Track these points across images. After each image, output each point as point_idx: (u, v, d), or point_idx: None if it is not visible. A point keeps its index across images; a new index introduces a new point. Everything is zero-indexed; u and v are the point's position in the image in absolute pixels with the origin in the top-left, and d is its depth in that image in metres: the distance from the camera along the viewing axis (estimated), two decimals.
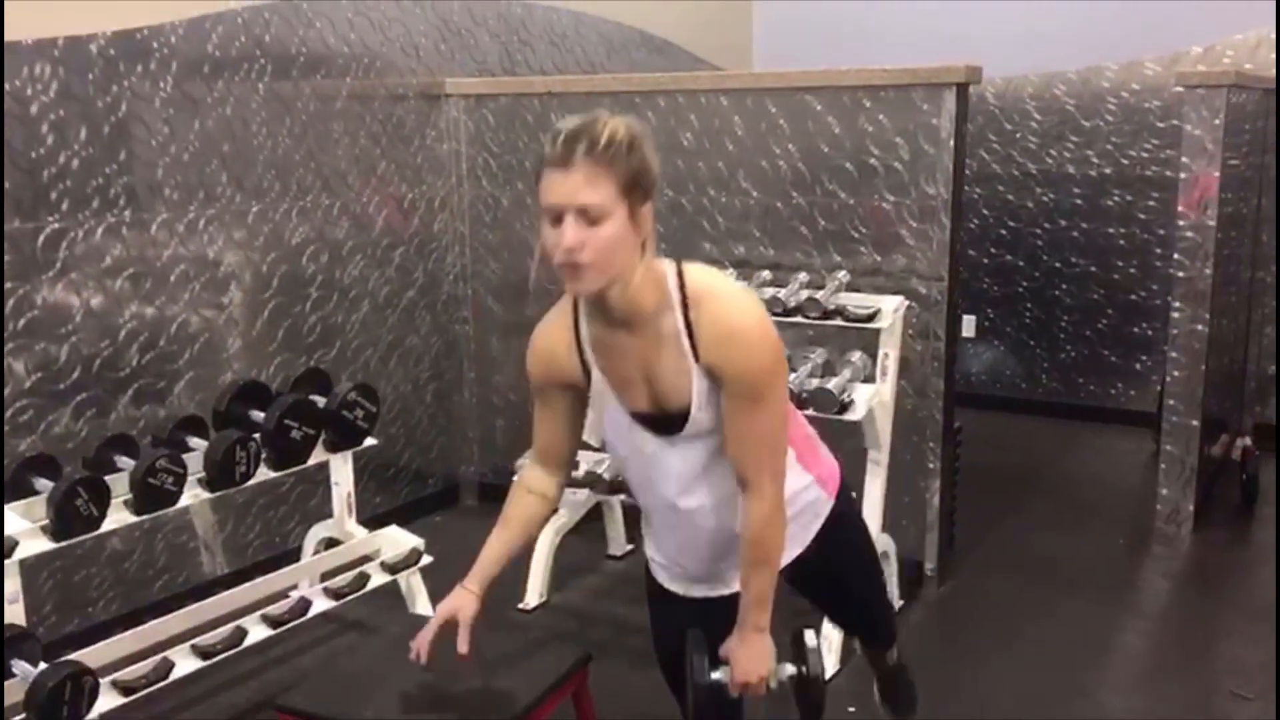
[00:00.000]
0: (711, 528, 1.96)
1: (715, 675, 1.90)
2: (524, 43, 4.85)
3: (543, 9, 4.94)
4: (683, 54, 5.76)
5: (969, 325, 5.92)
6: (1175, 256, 4.16)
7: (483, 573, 2.01)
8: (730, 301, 1.79)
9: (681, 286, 1.79)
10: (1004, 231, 5.88)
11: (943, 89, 3.53)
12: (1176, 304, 4.16)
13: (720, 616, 1.96)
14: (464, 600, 1.99)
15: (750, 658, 1.91)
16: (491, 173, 4.48)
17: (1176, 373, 4.19)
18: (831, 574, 2.18)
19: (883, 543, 3.55)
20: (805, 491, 2.04)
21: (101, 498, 2.72)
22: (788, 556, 2.00)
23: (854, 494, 2.30)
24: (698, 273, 1.82)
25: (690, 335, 1.78)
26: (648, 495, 2.01)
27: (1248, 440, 4.79)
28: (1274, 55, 5.17)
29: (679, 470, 1.91)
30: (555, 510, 2.20)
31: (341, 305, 4.16)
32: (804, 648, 1.94)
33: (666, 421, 1.86)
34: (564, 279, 1.75)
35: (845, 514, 2.19)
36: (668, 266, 1.82)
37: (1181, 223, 4.11)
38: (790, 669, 1.94)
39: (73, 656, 2.63)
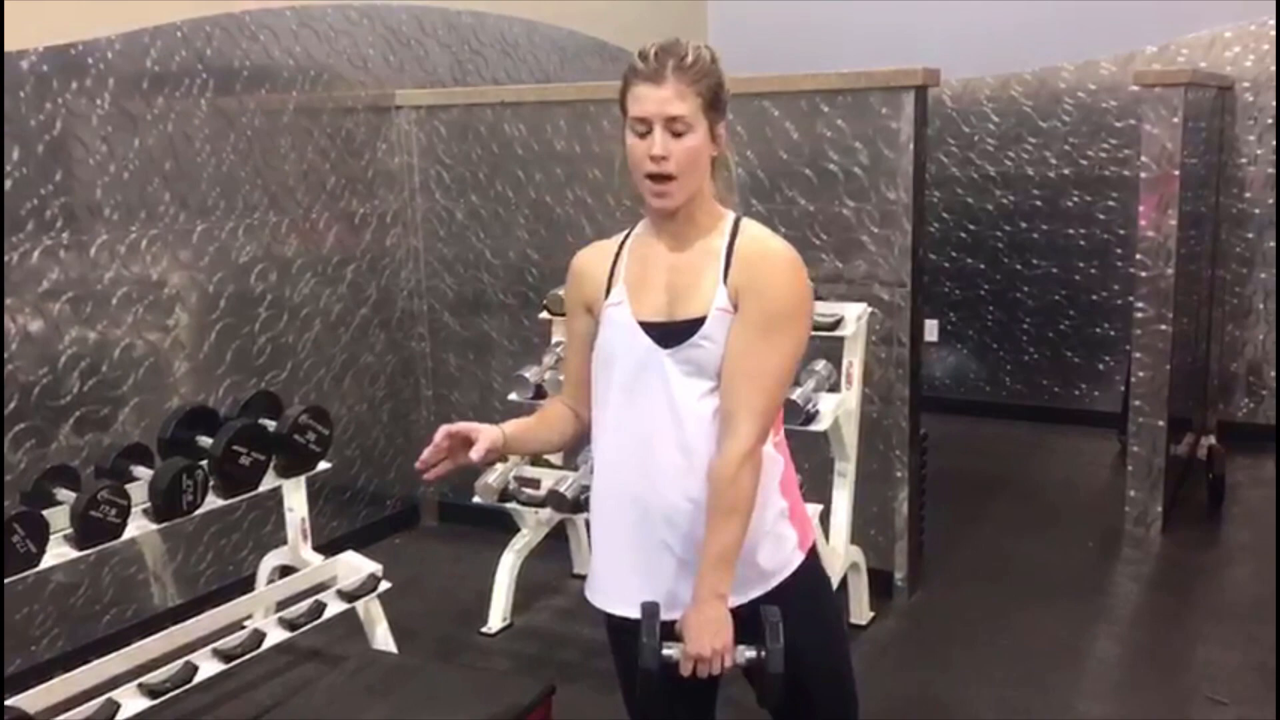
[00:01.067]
0: (693, 485, 1.78)
1: (667, 650, 1.71)
2: (475, 52, 4.76)
3: (494, 18, 4.85)
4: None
5: (931, 330, 5.88)
6: (1137, 256, 4.14)
7: (507, 424, 1.95)
8: (776, 240, 1.85)
9: (736, 222, 1.85)
10: (964, 235, 5.86)
11: (901, 92, 3.49)
12: (1139, 304, 4.14)
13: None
14: (488, 427, 1.89)
15: (704, 626, 1.72)
16: (445, 185, 4.38)
17: (1141, 373, 4.17)
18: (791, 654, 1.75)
19: (852, 554, 3.49)
20: (776, 522, 1.86)
21: (40, 533, 2.61)
22: (734, 599, 1.78)
23: (822, 570, 2.04)
24: (755, 223, 1.88)
25: (728, 254, 1.81)
26: (631, 421, 1.83)
27: (1213, 438, 4.78)
28: (1229, 53, 5.18)
29: (665, 391, 1.79)
30: (581, 433, 2.06)
31: (292, 325, 4.04)
32: (763, 624, 1.73)
33: (673, 331, 1.81)
34: (648, 194, 1.79)
35: (815, 585, 1.94)
36: (732, 212, 1.88)
37: (1143, 222, 4.09)
38: (750, 651, 1.73)
39: (11, 701, 2.51)
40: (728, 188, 1.88)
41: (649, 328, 1.82)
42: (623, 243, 1.92)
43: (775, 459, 1.86)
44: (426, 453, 1.88)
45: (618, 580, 1.89)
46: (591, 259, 1.95)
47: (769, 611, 1.76)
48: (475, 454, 1.85)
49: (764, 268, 1.79)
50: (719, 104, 1.81)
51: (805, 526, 1.93)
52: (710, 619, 1.73)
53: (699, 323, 1.78)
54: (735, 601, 1.79)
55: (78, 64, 3.30)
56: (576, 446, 3.67)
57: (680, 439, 1.80)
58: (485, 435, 1.86)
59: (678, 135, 1.76)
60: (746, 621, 1.79)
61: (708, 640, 1.72)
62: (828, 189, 3.66)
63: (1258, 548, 4.17)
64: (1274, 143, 5.13)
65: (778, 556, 1.87)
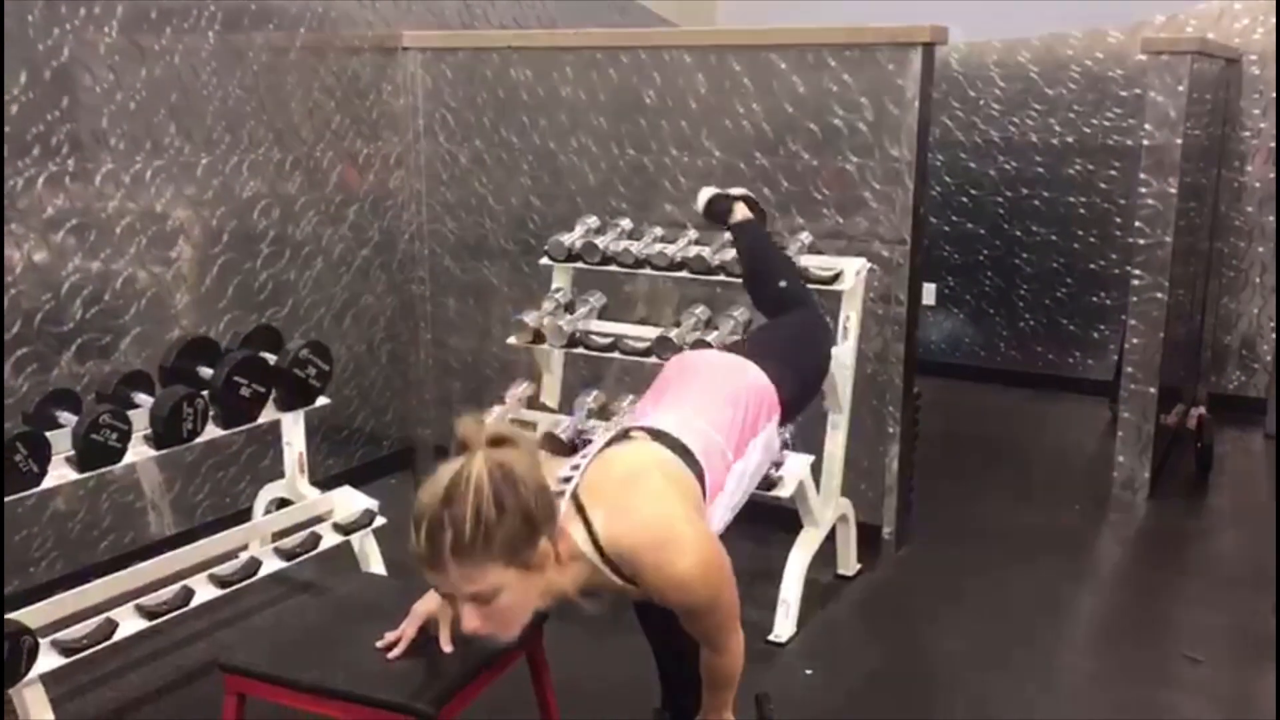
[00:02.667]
0: None
1: None
2: None
3: None
4: (645, 11, 5.67)
5: (929, 293, 5.90)
6: (1136, 224, 4.16)
7: None
8: (662, 554, 1.76)
9: (601, 554, 1.78)
10: (965, 199, 5.87)
11: (908, 49, 3.49)
12: (1137, 271, 4.17)
13: None
14: (438, 602, 1.94)
15: None
16: (449, 129, 4.38)
17: (1135, 340, 4.20)
18: None
19: (841, 506, 3.53)
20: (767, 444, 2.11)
21: (42, 453, 2.63)
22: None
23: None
24: (615, 529, 1.78)
25: (635, 583, 1.82)
26: None
27: (1203, 409, 4.83)
28: (1238, 25, 5.18)
29: None
30: None
31: (294, 262, 4.06)
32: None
33: None
34: None
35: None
36: (573, 528, 1.78)
37: (1143, 190, 4.11)
38: None
39: (11, 616, 2.55)
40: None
41: None
42: None
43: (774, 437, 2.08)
44: (394, 642, 1.97)
45: None
46: None
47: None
48: (445, 646, 1.94)
49: (681, 598, 1.83)
50: (527, 541, 1.67)
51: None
52: None
53: None
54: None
55: None
56: (572, 392, 3.71)
57: None
58: (445, 624, 1.94)
59: (488, 601, 1.67)
60: None
61: None
62: (831, 144, 3.67)
63: (1241, 516, 4.23)
64: (1275, 117, 5.14)
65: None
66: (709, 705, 2.04)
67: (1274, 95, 5.15)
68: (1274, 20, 5.10)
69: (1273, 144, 5.19)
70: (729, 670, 2.00)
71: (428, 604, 1.97)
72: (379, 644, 1.97)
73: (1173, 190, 4.06)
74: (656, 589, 1.78)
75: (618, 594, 1.86)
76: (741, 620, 2.00)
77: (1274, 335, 5.28)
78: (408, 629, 1.96)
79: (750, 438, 2.13)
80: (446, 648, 1.91)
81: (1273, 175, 5.22)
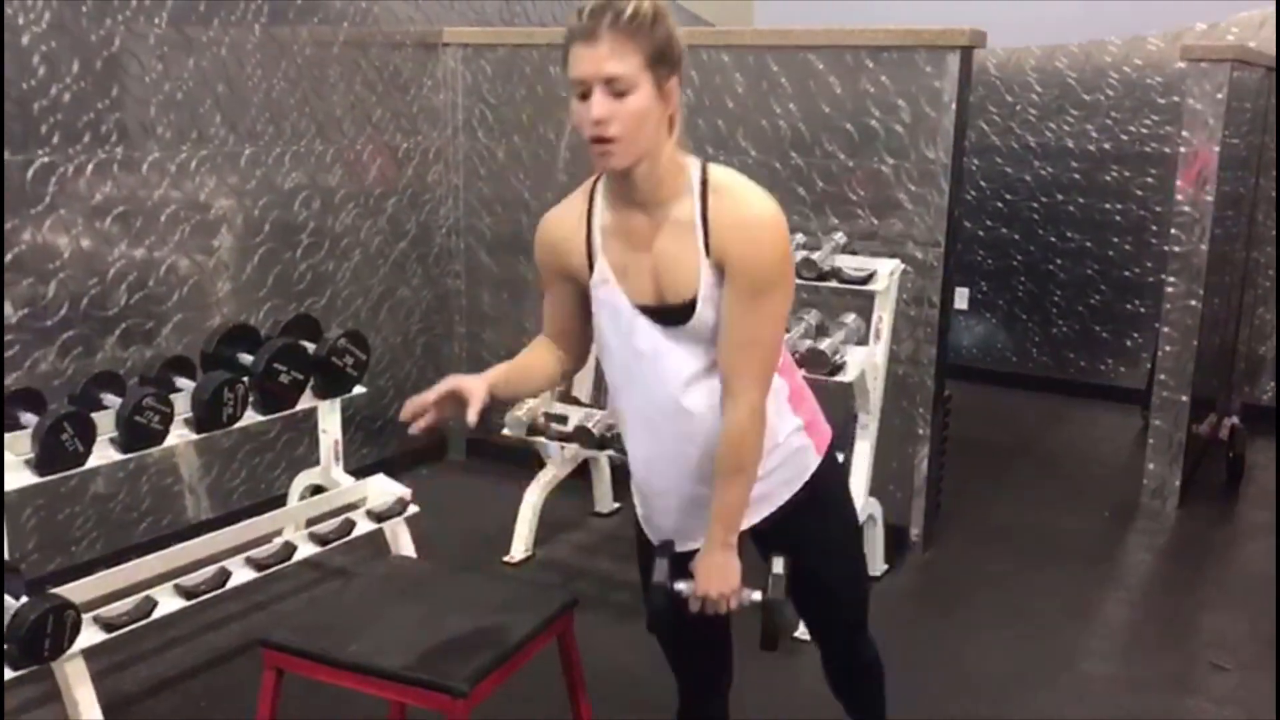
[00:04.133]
0: (699, 440, 1.88)
1: (678, 585, 1.87)
2: None
3: None
4: (683, 11, 5.69)
5: (962, 298, 5.90)
6: (1172, 231, 4.15)
7: (492, 374, 1.93)
8: (748, 194, 1.78)
9: (704, 177, 1.79)
10: (1000, 204, 5.86)
11: (947, 52, 3.50)
12: (1171, 279, 4.16)
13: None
14: (473, 380, 1.88)
15: (712, 572, 1.86)
16: (488, 125, 4.43)
17: (1168, 348, 4.19)
18: (801, 546, 1.95)
19: (870, 507, 3.55)
20: (791, 438, 1.95)
21: (87, 434, 2.70)
22: (758, 515, 1.93)
23: (843, 463, 2.22)
24: (721, 169, 1.82)
25: (704, 223, 1.76)
26: (634, 397, 1.92)
27: (1235, 419, 4.80)
28: (1276, 34, 5.15)
29: (675, 368, 1.85)
30: (567, 377, 2.11)
31: (333, 254, 4.12)
32: (769, 573, 1.87)
33: (669, 314, 1.83)
34: (594, 156, 1.74)
35: (831, 480, 2.05)
36: (693, 160, 1.82)
37: (1179, 197, 4.10)
38: (755, 594, 1.87)
39: (55, 591, 2.62)
40: (678, 144, 1.80)
41: (645, 310, 1.84)
42: (589, 209, 1.88)
43: (777, 384, 1.90)
44: (413, 405, 1.86)
45: (656, 519, 2.02)
46: (560, 227, 1.91)
47: (777, 562, 1.89)
48: (471, 418, 1.84)
49: (744, 237, 1.74)
50: (666, 59, 1.70)
51: (823, 435, 2.03)
52: (718, 564, 1.87)
53: (691, 305, 1.80)
54: (760, 515, 1.91)
55: None
56: (604, 386, 3.74)
57: (686, 405, 1.86)
58: (477, 397, 1.84)
59: (620, 95, 1.68)
60: (768, 536, 1.93)
61: (715, 584, 1.86)
62: (867, 145, 3.69)
63: (1272, 526, 4.20)
64: (1275, 121, 5.11)
65: (797, 466, 1.97)
66: (719, 518, 1.85)
67: None
68: None
69: None
70: (746, 445, 1.82)
71: (461, 378, 1.89)
72: (403, 416, 1.87)
73: (1209, 198, 4.05)
74: (730, 221, 1.74)
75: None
76: None
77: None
78: (431, 394, 1.86)
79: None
80: (472, 420, 1.83)
81: None
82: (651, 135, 1.72)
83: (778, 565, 1.87)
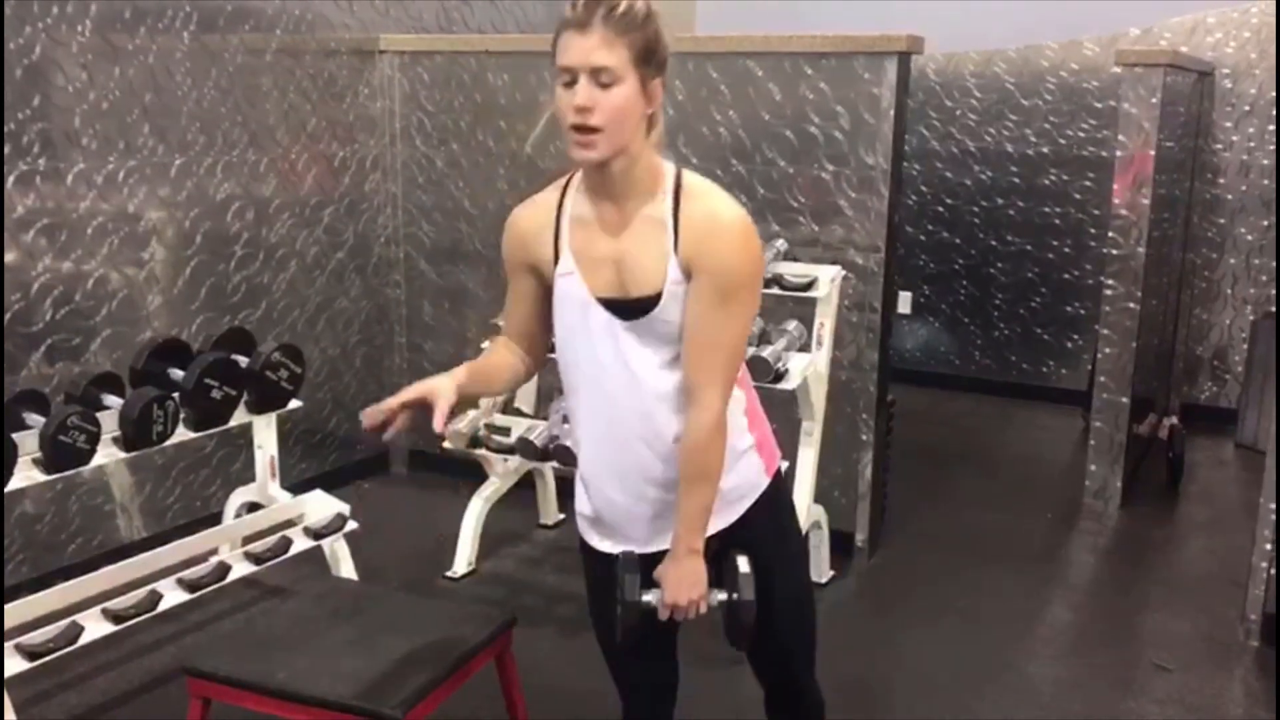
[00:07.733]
0: (654, 443, 1.85)
1: (646, 597, 1.84)
2: (462, 0, 4.74)
3: None
4: None
5: (905, 302, 5.93)
6: (1109, 234, 4.19)
7: (459, 373, 1.89)
8: (720, 200, 1.80)
9: (678, 181, 1.80)
10: (941, 209, 5.90)
11: (884, 57, 3.51)
12: (1109, 281, 4.20)
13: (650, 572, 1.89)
14: (441, 381, 1.85)
15: (681, 580, 1.84)
16: (426, 132, 4.38)
17: (1108, 350, 4.23)
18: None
19: (814, 513, 3.54)
20: (745, 455, 1.92)
21: (7, 455, 2.61)
22: (712, 528, 1.89)
23: (788, 494, 2.17)
24: (696, 175, 1.84)
25: (675, 223, 1.77)
26: (591, 396, 1.88)
27: (1174, 419, 4.86)
28: (1210, 39, 5.23)
29: (635, 366, 1.82)
30: (530, 376, 2.08)
31: (268, 265, 4.04)
32: (735, 573, 1.86)
33: (630, 307, 1.81)
34: (573, 145, 1.74)
35: (778, 504, 2.02)
36: (669, 165, 1.83)
37: (1117, 201, 4.14)
38: (721, 595, 1.87)
39: None
40: (656, 148, 1.81)
41: (605, 303, 1.82)
42: (560, 202, 1.87)
43: (736, 395, 1.88)
44: (373, 413, 1.83)
45: (605, 528, 1.97)
46: (531, 220, 1.89)
47: (742, 561, 1.86)
48: (438, 425, 1.80)
49: (714, 241, 1.75)
50: (652, 59, 1.73)
51: (772, 455, 2.00)
52: (687, 571, 1.84)
53: (654, 299, 1.79)
54: (710, 529, 1.87)
55: None
56: (548, 398, 3.70)
57: (644, 406, 1.84)
58: (446, 399, 1.81)
59: (604, 87, 1.69)
60: (716, 556, 1.88)
61: (684, 591, 1.84)
62: (807, 152, 3.69)
63: (1212, 525, 4.26)
64: (1250, 130, 5.19)
65: (743, 484, 1.93)
66: (684, 524, 1.83)
67: (1246, 109, 5.20)
68: (1247, 34, 5.15)
69: (1244, 156, 5.24)
70: (710, 450, 1.81)
71: (428, 381, 1.85)
72: (365, 424, 1.84)
73: (1146, 201, 4.09)
74: (701, 221, 1.76)
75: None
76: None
77: (1244, 346, 5.33)
78: (396, 399, 1.82)
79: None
80: (439, 426, 1.81)
81: (1244, 188, 5.27)
82: (631, 131, 1.74)
83: (743, 565, 1.86)
